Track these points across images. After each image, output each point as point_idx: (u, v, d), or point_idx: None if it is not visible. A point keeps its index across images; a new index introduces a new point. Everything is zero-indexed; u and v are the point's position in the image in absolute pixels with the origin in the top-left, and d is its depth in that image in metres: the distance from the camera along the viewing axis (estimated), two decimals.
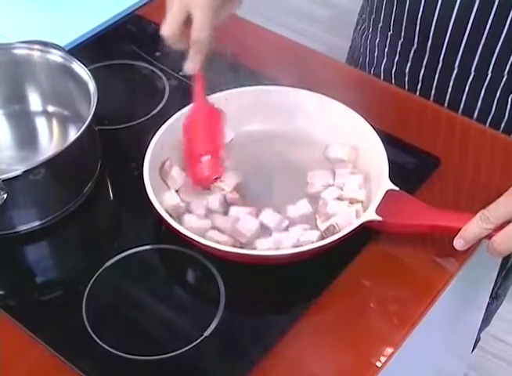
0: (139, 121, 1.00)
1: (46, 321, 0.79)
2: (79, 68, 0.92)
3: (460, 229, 0.80)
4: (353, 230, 0.79)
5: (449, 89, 1.06)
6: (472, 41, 0.99)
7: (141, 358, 0.75)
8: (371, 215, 0.81)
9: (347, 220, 0.82)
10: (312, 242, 0.80)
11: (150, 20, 1.15)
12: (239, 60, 1.09)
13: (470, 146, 0.95)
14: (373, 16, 1.12)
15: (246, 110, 0.95)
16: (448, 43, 1.01)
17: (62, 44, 1.00)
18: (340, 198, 0.85)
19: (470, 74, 1.03)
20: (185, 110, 0.92)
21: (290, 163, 0.92)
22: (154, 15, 1.13)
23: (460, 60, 1.02)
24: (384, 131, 0.90)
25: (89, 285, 0.81)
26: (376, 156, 0.87)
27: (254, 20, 1.17)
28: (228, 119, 0.94)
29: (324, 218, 0.83)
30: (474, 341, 1.36)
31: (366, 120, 0.90)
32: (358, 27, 1.20)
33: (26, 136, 0.98)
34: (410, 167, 0.93)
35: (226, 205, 0.86)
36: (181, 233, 0.79)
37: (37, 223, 0.87)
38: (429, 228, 0.82)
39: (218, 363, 0.76)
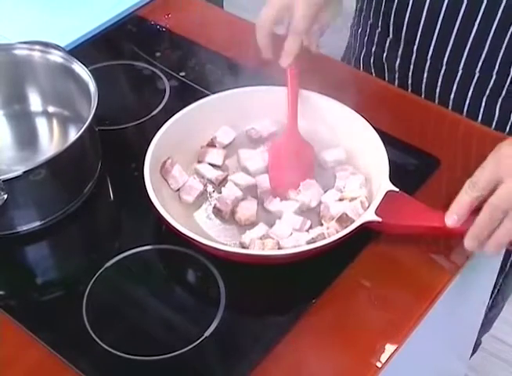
0: (140, 121, 1.00)
1: (46, 321, 0.79)
2: (79, 68, 0.92)
3: (460, 231, 0.80)
4: (353, 231, 0.80)
5: (438, 88, 1.08)
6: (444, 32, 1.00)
7: (141, 358, 0.75)
8: (371, 215, 0.81)
9: (354, 211, 0.82)
10: (313, 242, 0.80)
11: (151, 21, 1.15)
12: (239, 60, 1.09)
13: (470, 147, 0.95)
14: (363, 13, 1.14)
15: (246, 110, 0.95)
16: (436, 40, 1.02)
17: (62, 44, 1.00)
18: (340, 199, 0.86)
19: (458, 71, 1.04)
20: (187, 109, 0.92)
21: None
22: (155, 15, 1.13)
23: (448, 58, 1.03)
24: (384, 132, 0.90)
25: (90, 285, 0.81)
26: (376, 157, 0.87)
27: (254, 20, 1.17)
28: (229, 119, 0.95)
29: (330, 220, 0.83)
30: (474, 342, 1.36)
31: (367, 120, 0.90)
32: (352, 23, 1.21)
33: (26, 137, 0.99)
34: (410, 168, 0.93)
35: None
36: (181, 233, 0.79)
37: (37, 224, 0.87)
38: (428, 229, 0.82)
39: (218, 363, 0.76)
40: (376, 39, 1.12)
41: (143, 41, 1.10)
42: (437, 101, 1.09)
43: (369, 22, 1.12)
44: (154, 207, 0.81)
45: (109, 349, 0.75)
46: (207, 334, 0.77)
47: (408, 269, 0.84)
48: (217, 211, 0.86)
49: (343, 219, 0.81)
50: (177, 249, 0.84)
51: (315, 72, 1.03)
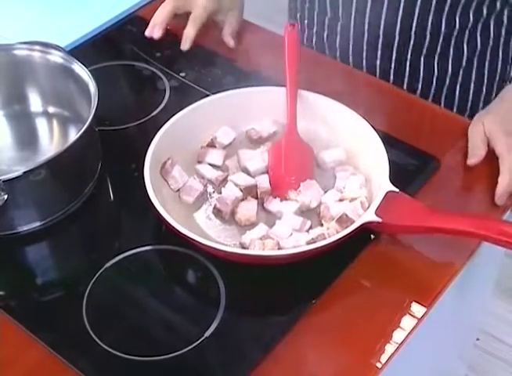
0: (140, 121, 1.00)
1: (46, 321, 0.79)
2: (79, 69, 0.92)
3: (460, 232, 0.80)
4: (353, 231, 0.80)
5: (378, 61, 1.14)
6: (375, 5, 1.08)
7: (141, 358, 0.75)
8: (371, 216, 0.81)
9: (354, 211, 0.82)
10: (313, 242, 0.80)
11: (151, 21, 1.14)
12: (239, 61, 1.09)
13: None
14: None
15: (246, 111, 0.95)
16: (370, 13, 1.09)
17: (62, 45, 1.00)
18: (341, 199, 0.86)
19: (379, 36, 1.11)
20: (187, 110, 0.92)
21: None
22: None
23: (384, 28, 1.09)
24: (384, 133, 0.90)
25: (90, 285, 0.81)
26: (376, 157, 0.87)
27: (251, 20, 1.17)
28: (229, 119, 0.95)
29: (330, 221, 0.83)
30: (473, 342, 1.36)
31: (367, 121, 0.90)
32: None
33: (26, 137, 0.99)
34: (410, 168, 0.93)
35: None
36: (181, 233, 0.79)
37: (37, 224, 0.87)
38: (428, 229, 0.82)
39: (218, 364, 0.76)
40: (315, 20, 1.17)
41: (143, 41, 1.10)
42: (378, 70, 1.15)
43: (306, 6, 1.17)
44: (154, 207, 0.81)
45: (110, 350, 0.76)
46: (207, 334, 0.77)
47: (408, 270, 0.84)
48: (217, 212, 0.86)
49: (343, 220, 0.82)
50: (177, 249, 0.84)
51: (314, 73, 1.04)
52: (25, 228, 0.87)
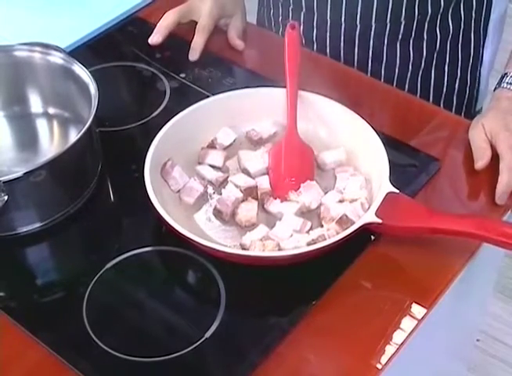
0: (140, 122, 1.00)
1: (47, 322, 0.79)
2: (80, 70, 0.92)
3: (460, 233, 0.80)
4: (353, 232, 0.80)
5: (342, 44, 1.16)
6: None
7: (141, 359, 0.75)
8: (371, 217, 0.81)
9: (354, 212, 0.82)
10: (314, 243, 0.80)
11: (151, 22, 1.14)
12: (239, 62, 1.09)
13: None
14: None
15: (246, 112, 0.95)
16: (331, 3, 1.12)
17: (63, 46, 1.00)
18: (341, 201, 0.86)
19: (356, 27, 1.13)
20: (187, 111, 0.92)
21: None
22: (155, 17, 1.13)
23: (345, 15, 1.12)
24: (384, 134, 0.90)
25: (90, 287, 0.81)
26: (376, 158, 0.87)
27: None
28: (229, 120, 0.95)
29: (330, 222, 0.83)
30: (473, 343, 1.36)
31: (367, 122, 0.90)
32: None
33: (26, 138, 0.99)
34: (411, 169, 0.93)
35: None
36: (181, 234, 0.79)
37: (37, 225, 0.87)
38: (429, 231, 0.82)
39: (218, 365, 0.76)
40: (290, 16, 1.19)
41: (144, 42, 1.10)
42: (356, 58, 1.16)
43: (290, 8, 1.18)
44: (154, 208, 0.81)
45: (110, 351, 0.76)
46: (207, 335, 0.77)
47: (408, 271, 0.84)
48: (217, 213, 0.86)
49: (343, 221, 0.82)
50: (177, 250, 0.84)
51: (315, 74, 1.04)
52: (25, 229, 0.87)
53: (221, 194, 0.88)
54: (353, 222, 0.81)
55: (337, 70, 1.11)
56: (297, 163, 0.91)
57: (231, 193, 0.87)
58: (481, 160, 0.91)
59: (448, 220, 0.81)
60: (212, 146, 0.94)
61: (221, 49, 1.11)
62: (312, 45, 1.18)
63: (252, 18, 1.22)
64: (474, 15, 1.13)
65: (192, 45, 1.08)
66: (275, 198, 0.87)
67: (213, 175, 0.90)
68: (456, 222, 0.81)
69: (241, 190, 0.87)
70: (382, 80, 1.15)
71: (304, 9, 1.16)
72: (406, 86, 1.18)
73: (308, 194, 0.87)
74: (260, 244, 0.81)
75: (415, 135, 0.97)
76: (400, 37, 1.13)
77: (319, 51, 1.18)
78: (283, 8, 1.21)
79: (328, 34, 1.16)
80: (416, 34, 1.13)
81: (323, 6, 1.13)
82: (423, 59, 1.16)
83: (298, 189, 0.87)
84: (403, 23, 1.11)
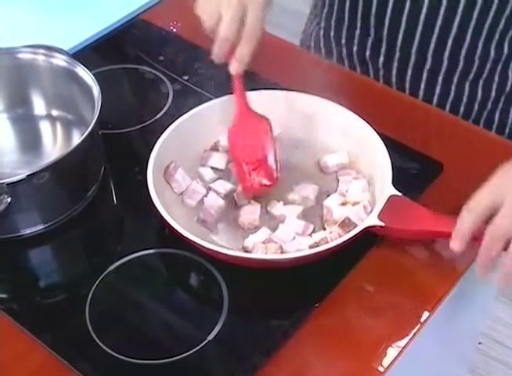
0: (143, 125, 1.00)
1: (49, 324, 0.79)
2: (83, 72, 0.92)
3: None
4: (355, 235, 0.80)
5: (408, 77, 1.11)
6: (426, 30, 1.05)
7: (144, 362, 0.75)
8: (373, 220, 0.81)
9: (356, 215, 0.82)
10: (316, 246, 0.80)
11: (155, 25, 1.15)
12: None
13: (473, 151, 0.95)
14: (325, 11, 1.16)
15: None
16: (403, 35, 1.07)
17: (66, 48, 1.00)
18: (343, 203, 0.86)
19: (426, 60, 1.08)
20: (190, 113, 0.92)
21: (291, 167, 0.93)
22: (159, 19, 1.13)
23: (417, 48, 1.07)
24: (387, 137, 0.90)
25: (92, 289, 0.81)
26: (379, 161, 0.87)
27: None
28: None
29: (333, 225, 0.83)
30: (475, 346, 1.36)
31: (370, 125, 0.90)
32: (309, 27, 1.24)
33: (30, 140, 0.99)
34: (413, 172, 0.93)
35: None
36: (184, 236, 0.79)
37: (40, 227, 0.87)
38: (431, 234, 0.82)
39: (221, 368, 0.76)
40: (356, 40, 1.14)
41: (147, 45, 1.10)
42: (421, 94, 1.13)
43: (344, 24, 1.14)
44: (157, 210, 0.81)
45: (112, 353, 0.76)
46: (209, 338, 0.77)
47: (411, 274, 0.84)
48: (201, 222, 0.86)
49: (346, 224, 0.82)
50: (180, 253, 0.84)
51: (317, 77, 1.04)
52: (28, 231, 0.87)
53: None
54: (356, 225, 0.81)
55: (340, 73, 1.11)
56: (249, 142, 0.90)
57: (214, 202, 0.87)
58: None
59: (451, 223, 0.81)
60: (215, 148, 0.94)
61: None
62: (378, 71, 1.14)
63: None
64: None
65: (236, 54, 0.87)
66: (246, 196, 0.87)
67: (212, 177, 0.90)
68: None
69: (221, 197, 0.87)
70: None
71: (372, 36, 1.11)
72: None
73: (304, 191, 0.88)
74: (262, 246, 0.81)
75: (418, 138, 0.97)
76: (472, 76, 1.09)
77: (384, 80, 1.13)
78: (348, 30, 1.14)
79: (396, 64, 1.11)
80: (487, 75, 1.09)
81: (394, 40, 1.08)
82: (490, 100, 1.12)
83: (257, 168, 0.87)
84: (477, 62, 1.07)
